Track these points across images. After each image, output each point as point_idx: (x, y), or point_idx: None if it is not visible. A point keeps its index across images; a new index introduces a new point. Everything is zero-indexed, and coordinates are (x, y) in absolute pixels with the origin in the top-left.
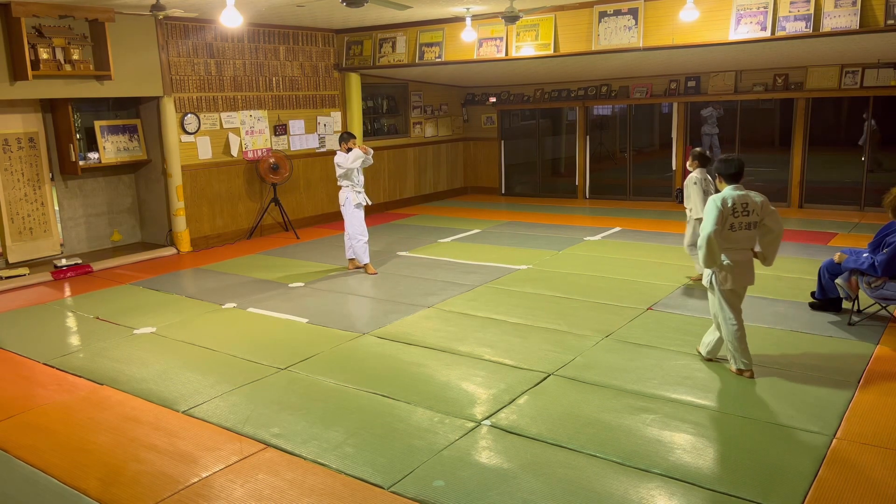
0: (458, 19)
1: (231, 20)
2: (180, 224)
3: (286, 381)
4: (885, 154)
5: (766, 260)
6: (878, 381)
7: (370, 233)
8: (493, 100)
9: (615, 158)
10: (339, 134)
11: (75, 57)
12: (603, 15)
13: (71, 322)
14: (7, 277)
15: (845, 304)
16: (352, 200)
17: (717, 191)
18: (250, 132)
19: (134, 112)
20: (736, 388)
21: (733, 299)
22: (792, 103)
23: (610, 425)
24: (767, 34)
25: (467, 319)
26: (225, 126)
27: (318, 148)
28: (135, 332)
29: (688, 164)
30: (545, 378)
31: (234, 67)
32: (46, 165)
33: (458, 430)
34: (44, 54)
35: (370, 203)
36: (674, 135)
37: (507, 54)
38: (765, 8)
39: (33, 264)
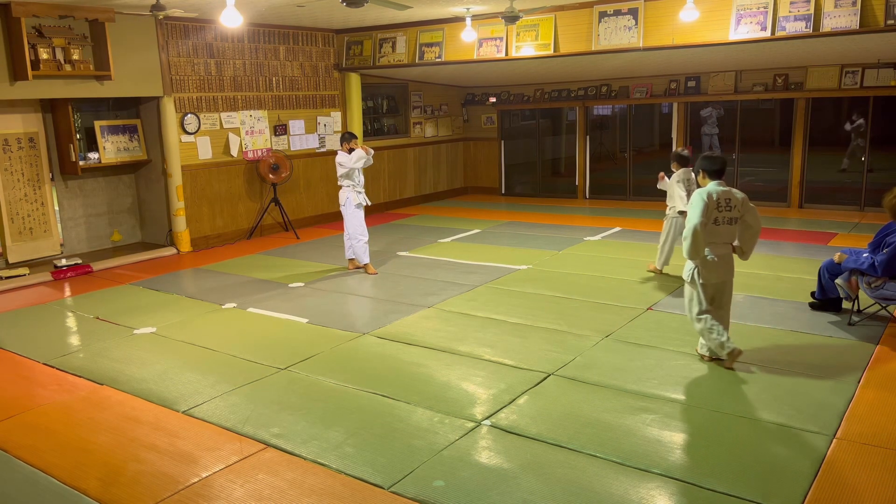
0: (458, 19)
1: (231, 20)
2: (180, 224)
3: (286, 381)
4: (881, 154)
5: (745, 254)
6: (878, 382)
7: (370, 233)
8: (493, 100)
9: (615, 158)
10: (341, 134)
11: (75, 57)
12: (603, 15)
13: (71, 322)
14: (7, 277)
15: (845, 304)
16: (352, 200)
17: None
18: (250, 132)
19: (134, 112)
20: (736, 388)
21: (709, 294)
22: (792, 103)
23: (610, 425)
24: (767, 34)
25: (467, 319)
26: (225, 126)
27: (318, 148)
28: (135, 332)
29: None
30: (545, 378)
31: (234, 67)
32: (46, 165)
33: (458, 430)
34: (44, 54)
35: (369, 203)
36: (674, 135)
37: (507, 54)
38: (765, 8)
39: (33, 264)
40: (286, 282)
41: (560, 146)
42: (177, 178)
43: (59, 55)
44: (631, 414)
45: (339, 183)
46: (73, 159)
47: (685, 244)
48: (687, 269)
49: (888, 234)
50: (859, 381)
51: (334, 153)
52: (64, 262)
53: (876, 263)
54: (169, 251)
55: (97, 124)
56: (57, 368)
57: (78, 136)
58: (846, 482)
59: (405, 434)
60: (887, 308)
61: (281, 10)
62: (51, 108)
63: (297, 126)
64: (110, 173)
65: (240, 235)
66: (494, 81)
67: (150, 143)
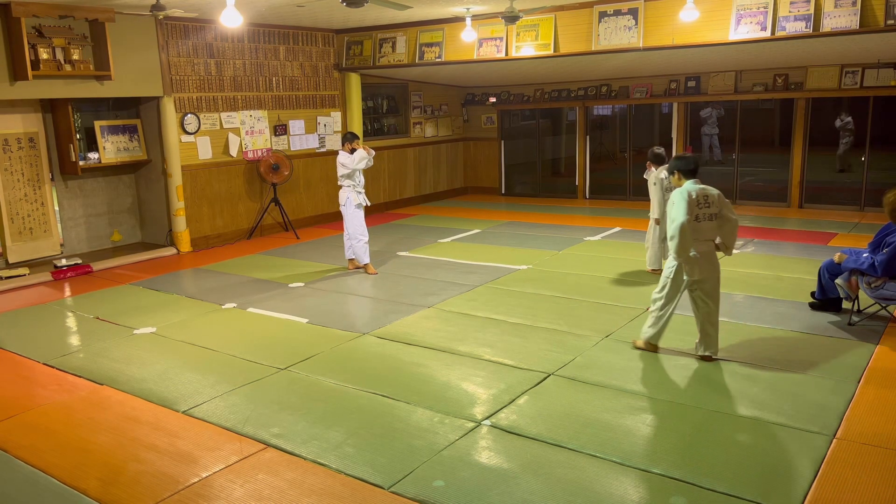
0: (458, 19)
1: (231, 20)
2: (180, 224)
3: (286, 381)
4: (881, 154)
5: (728, 249)
6: (878, 382)
7: (370, 233)
8: (493, 100)
9: (615, 158)
10: (343, 134)
11: (75, 57)
12: (603, 15)
13: (71, 322)
14: (7, 277)
15: (845, 304)
16: (352, 201)
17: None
18: (250, 132)
19: (134, 112)
20: (736, 388)
21: (678, 290)
22: (792, 103)
23: (610, 425)
24: (767, 34)
25: (467, 319)
26: (225, 126)
27: (318, 148)
28: (135, 332)
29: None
30: (545, 378)
31: (234, 67)
32: (46, 165)
33: (458, 430)
34: (44, 54)
35: (369, 204)
36: (674, 135)
37: (507, 54)
38: (765, 8)
39: (33, 264)
40: (286, 282)
41: (560, 146)
42: (177, 178)
43: (59, 55)
44: (631, 414)
45: (339, 183)
46: (73, 159)
47: (672, 243)
48: (668, 265)
49: (888, 234)
50: (859, 381)
51: (334, 153)
52: (64, 262)
53: (876, 263)
54: (169, 251)
55: (97, 124)
56: (57, 368)
57: (78, 136)
58: (846, 482)
59: (405, 434)
60: (887, 308)
61: (281, 10)
62: (51, 108)
63: (297, 126)
64: (110, 173)
65: (240, 235)
66: (494, 81)
67: (150, 143)
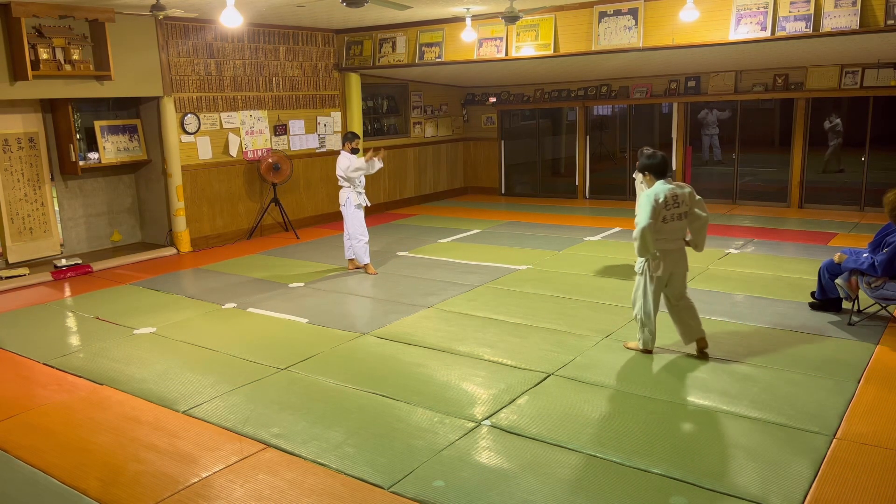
0: (458, 19)
1: (231, 20)
2: (180, 224)
3: (286, 381)
4: (881, 154)
5: (698, 246)
6: (878, 381)
7: (370, 233)
8: (493, 100)
9: (615, 158)
10: (343, 134)
11: (75, 57)
12: (603, 15)
13: (71, 322)
14: (7, 277)
15: (845, 304)
16: (353, 201)
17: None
18: (250, 132)
19: (134, 112)
20: (736, 388)
21: (657, 287)
22: (792, 103)
23: (610, 425)
24: (767, 34)
25: (467, 319)
26: (225, 126)
27: (318, 148)
28: (135, 332)
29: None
30: (545, 378)
31: (234, 67)
32: (46, 165)
33: (458, 430)
34: (44, 54)
35: (369, 205)
36: (674, 135)
37: (507, 54)
38: (765, 8)
39: (33, 264)
40: (286, 282)
41: (560, 146)
42: (177, 178)
43: (59, 55)
44: (631, 414)
45: (339, 183)
46: (73, 159)
47: (635, 244)
48: (638, 262)
49: (888, 234)
50: (859, 381)
51: (334, 153)
52: (64, 262)
53: (876, 263)
54: (169, 251)
55: (97, 124)
56: (57, 368)
57: (78, 136)
58: (846, 482)
59: (405, 434)
60: (887, 308)
61: (281, 10)
62: (51, 108)
63: (297, 126)
64: (110, 173)
65: (240, 235)
66: (494, 81)
67: (150, 143)
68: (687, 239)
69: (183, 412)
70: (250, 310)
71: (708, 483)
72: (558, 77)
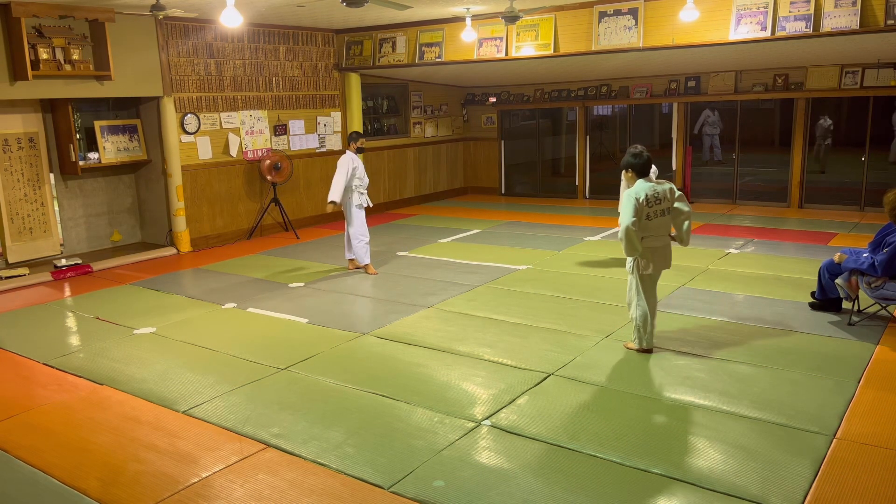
0: (458, 19)
1: (231, 20)
2: (180, 224)
3: (286, 381)
4: (879, 154)
5: (684, 241)
6: (878, 381)
7: (370, 233)
8: (493, 100)
9: (615, 158)
10: (348, 134)
11: (75, 57)
12: (603, 15)
13: (71, 322)
14: (7, 277)
15: (845, 304)
16: (354, 201)
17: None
18: (250, 132)
19: (134, 112)
20: (736, 388)
21: (650, 284)
22: (792, 103)
23: (609, 425)
24: (767, 34)
25: (467, 319)
26: (225, 126)
27: (318, 148)
28: (135, 332)
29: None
30: (545, 378)
31: (234, 67)
32: (46, 165)
33: (458, 430)
34: (44, 54)
35: (371, 205)
36: (674, 135)
37: (507, 54)
38: (765, 8)
39: (33, 264)
40: (286, 282)
41: (560, 146)
42: (177, 178)
43: (59, 55)
44: (631, 414)
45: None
46: (73, 159)
47: (622, 244)
48: (629, 261)
49: (888, 234)
50: (859, 381)
51: (334, 153)
52: (64, 262)
53: (876, 263)
54: (169, 251)
55: (97, 124)
56: (57, 368)
57: (78, 136)
58: (846, 482)
59: (405, 434)
60: (887, 308)
61: (281, 10)
62: (51, 108)
63: (297, 126)
64: (110, 173)
65: (240, 235)
66: (494, 81)
67: (150, 143)
68: (672, 234)
69: (183, 412)
70: (250, 310)
71: (708, 483)
72: (558, 77)
